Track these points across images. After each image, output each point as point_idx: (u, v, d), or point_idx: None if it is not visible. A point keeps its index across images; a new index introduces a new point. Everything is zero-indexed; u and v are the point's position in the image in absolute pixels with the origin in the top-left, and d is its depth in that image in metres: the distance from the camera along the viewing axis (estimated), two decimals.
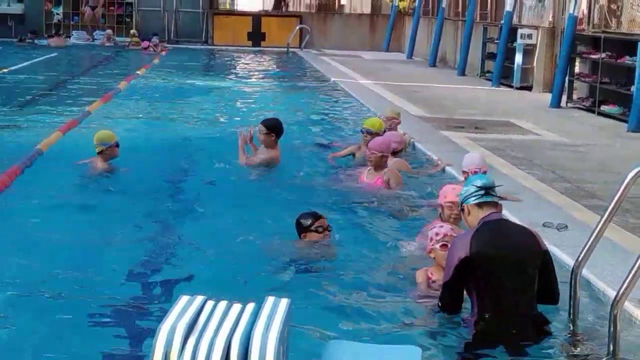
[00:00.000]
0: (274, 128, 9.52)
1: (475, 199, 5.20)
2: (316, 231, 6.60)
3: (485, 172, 8.02)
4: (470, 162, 8.12)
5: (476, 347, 4.90)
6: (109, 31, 31.31)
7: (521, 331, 4.95)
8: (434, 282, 5.67)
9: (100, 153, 9.04)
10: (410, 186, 8.85)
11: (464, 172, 8.09)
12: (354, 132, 12.28)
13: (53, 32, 30.46)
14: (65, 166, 9.38)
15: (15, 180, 8.68)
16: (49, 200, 8.01)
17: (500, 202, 5.37)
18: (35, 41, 29.59)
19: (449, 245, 5.31)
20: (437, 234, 5.65)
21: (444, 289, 5.12)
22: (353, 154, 10.19)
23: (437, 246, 5.63)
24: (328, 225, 6.67)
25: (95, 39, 31.31)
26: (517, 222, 6.00)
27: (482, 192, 5.19)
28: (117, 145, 9.15)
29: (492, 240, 5.00)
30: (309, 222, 6.62)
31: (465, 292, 5.09)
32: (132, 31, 30.66)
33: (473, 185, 5.24)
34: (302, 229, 6.64)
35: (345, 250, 6.67)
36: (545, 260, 5.13)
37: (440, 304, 5.18)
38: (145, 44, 29.07)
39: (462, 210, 5.31)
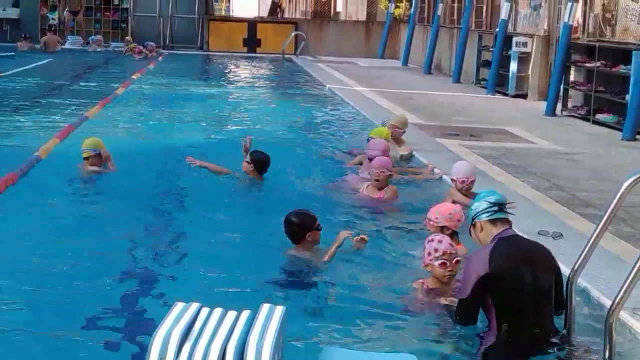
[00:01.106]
0: (257, 162, 9.08)
1: (489, 216, 5.17)
2: (318, 229, 6.52)
3: (472, 182, 8.15)
4: (460, 171, 8.30)
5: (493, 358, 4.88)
6: (99, 37, 31.26)
7: (538, 345, 4.93)
8: (429, 292, 5.65)
9: (86, 159, 9.33)
10: (411, 198, 8.80)
11: (452, 180, 8.29)
12: (349, 139, 12.28)
13: (25, 35, 30.11)
14: (59, 172, 9.39)
15: (11, 187, 8.65)
16: (39, 207, 7.99)
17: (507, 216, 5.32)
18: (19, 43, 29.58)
19: (454, 273, 5.28)
20: (435, 250, 5.60)
21: (461, 304, 5.06)
22: (360, 163, 10.06)
23: (436, 263, 5.59)
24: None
25: (89, 44, 31.22)
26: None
27: (496, 208, 5.17)
28: (106, 156, 9.37)
29: (511, 256, 4.98)
30: (312, 220, 6.50)
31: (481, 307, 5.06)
32: (127, 38, 30.62)
33: (486, 201, 5.20)
34: (307, 229, 6.47)
35: (342, 257, 6.65)
36: (558, 275, 5.16)
37: (457, 318, 5.12)
38: (138, 49, 28.99)
39: (474, 225, 5.27)
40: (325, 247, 6.54)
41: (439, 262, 5.57)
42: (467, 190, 8.25)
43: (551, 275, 5.08)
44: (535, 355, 4.89)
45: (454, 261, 5.59)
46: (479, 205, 5.22)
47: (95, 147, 9.37)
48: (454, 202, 7.90)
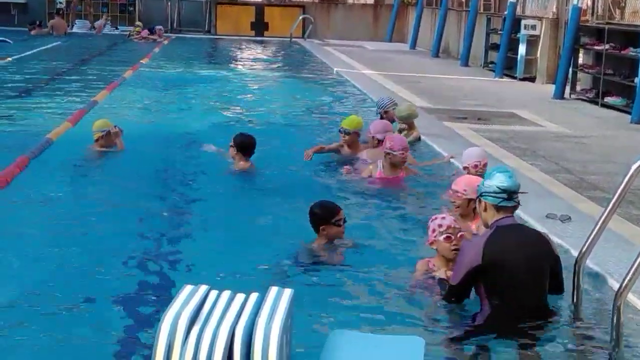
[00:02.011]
0: (239, 145, 8.79)
1: (495, 201, 5.13)
2: (336, 225, 6.25)
3: (485, 165, 7.99)
4: (471, 155, 8.05)
5: (482, 334, 4.90)
6: (102, 20, 31.25)
7: (529, 322, 4.95)
8: (435, 272, 5.66)
9: (97, 140, 9.54)
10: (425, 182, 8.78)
11: (464, 167, 8.01)
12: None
13: (37, 22, 30.17)
14: (69, 155, 9.44)
15: (23, 171, 8.68)
16: (48, 190, 8.03)
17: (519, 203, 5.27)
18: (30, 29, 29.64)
19: (460, 247, 5.28)
20: (440, 226, 5.62)
21: (451, 289, 5.12)
22: (337, 151, 9.77)
23: (441, 238, 5.60)
24: (344, 217, 6.33)
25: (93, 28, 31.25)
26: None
27: (505, 195, 5.12)
28: (115, 132, 9.50)
29: (506, 248, 4.98)
30: (330, 214, 6.22)
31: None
32: (137, 22, 30.56)
33: (497, 186, 5.14)
34: (321, 221, 6.21)
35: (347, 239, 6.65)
36: (557, 264, 5.16)
37: (445, 298, 5.20)
38: (144, 32, 28.91)
39: (479, 201, 5.25)
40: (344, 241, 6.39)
41: (444, 236, 5.58)
42: (481, 175, 8.02)
43: (547, 263, 5.09)
44: (526, 331, 4.92)
45: (458, 235, 5.60)
46: (490, 185, 5.17)
47: (104, 128, 9.56)
48: None
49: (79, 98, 14.39)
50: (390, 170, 8.61)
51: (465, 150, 8.38)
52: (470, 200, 6.41)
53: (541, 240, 5.16)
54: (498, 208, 5.14)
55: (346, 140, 9.63)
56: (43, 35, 28.35)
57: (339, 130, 9.79)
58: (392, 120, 10.83)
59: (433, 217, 5.79)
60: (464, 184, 6.55)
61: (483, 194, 5.20)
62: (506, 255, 4.96)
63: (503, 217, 5.13)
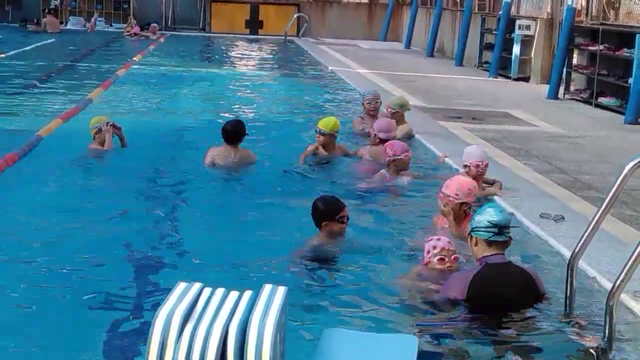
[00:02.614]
0: (222, 131, 8.91)
1: (486, 236, 5.14)
2: (339, 221, 6.18)
3: (486, 165, 7.95)
4: (474, 155, 7.98)
5: (472, 334, 4.93)
6: (93, 18, 31.24)
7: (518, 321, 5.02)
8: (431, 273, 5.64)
9: (94, 138, 9.49)
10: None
11: (465, 166, 7.96)
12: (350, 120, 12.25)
13: (35, 20, 30.16)
14: (63, 152, 9.42)
15: (12, 167, 8.66)
16: (45, 187, 8.02)
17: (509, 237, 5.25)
18: (28, 26, 29.65)
19: (448, 278, 5.29)
20: (434, 247, 5.60)
21: (435, 303, 5.21)
22: (315, 153, 9.56)
23: (435, 260, 5.58)
24: (347, 215, 6.24)
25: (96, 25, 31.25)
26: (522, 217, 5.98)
27: (496, 230, 5.13)
28: (108, 130, 9.46)
29: (490, 290, 5.03)
30: (334, 210, 6.14)
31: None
32: (130, 20, 30.51)
33: (488, 220, 5.14)
34: (324, 217, 6.13)
35: (345, 239, 6.65)
36: (542, 298, 5.23)
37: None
38: (135, 29, 28.83)
39: (471, 236, 5.25)
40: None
41: (438, 257, 5.56)
42: (480, 175, 7.91)
43: (531, 301, 5.15)
44: (517, 327, 4.99)
45: (452, 257, 5.57)
46: (481, 220, 5.17)
47: (96, 124, 9.54)
48: None
49: (70, 96, 14.36)
50: (397, 175, 8.47)
51: (466, 149, 8.28)
52: (462, 203, 6.40)
53: (527, 281, 5.18)
54: (489, 243, 5.15)
55: (321, 142, 9.44)
56: (38, 32, 28.34)
57: (315, 131, 9.60)
58: (374, 112, 11.01)
59: (429, 238, 5.76)
60: (455, 188, 6.45)
61: (474, 229, 5.20)
62: (490, 295, 5.03)
63: (494, 254, 5.13)
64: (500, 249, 5.18)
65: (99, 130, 9.45)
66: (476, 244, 5.22)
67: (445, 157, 9.78)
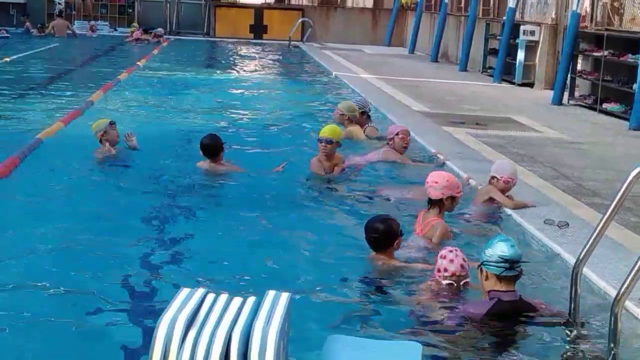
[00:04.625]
0: (201, 147, 8.90)
1: (498, 271, 5.11)
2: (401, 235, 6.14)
3: (515, 184, 7.95)
4: (506, 170, 7.98)
5: (478, 340, 4.92)
6: (92, 22, 31.26)
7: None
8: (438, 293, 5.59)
9: (100, 141, 9.45)
10: None
11: (493, 177, 7.95)
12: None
13: (39, 25, 30.20)
14: (66, 156, 9.42)
15: (15, 171, 8.66)
16: (46, 190, 8.02)
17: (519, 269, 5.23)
18: (31, 31, 29.68)
19: (458, 308, 5.27)
20: (445, 270, 5.51)
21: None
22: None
23: (444, 282, 5.52)
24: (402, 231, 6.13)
25: (98, 29, 31.25)
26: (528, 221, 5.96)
27: (507, 265, 5.10)
28: (113, 126, 9.48)
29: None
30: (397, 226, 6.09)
31: None
32: (133, 24, 30.54)
33: (499, 255, 5.10)
34: (394, 239, 6.05)
35: (348, 242, 6.64)
36: None
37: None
38: (137, 33, 28.80)
39: (481, 270, 5.22)
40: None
41: (447, 282, 5.50)
42: (504, 191, 7.94)
43: None
44: (522, 334, 5.01)
45: (461, 283, 5.52)
46: (492, 255, 5.12)
47: (99, 127, 9.48)
48: (491, 199, 7.82)
49: (73, 99, 14.37)
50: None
51: (499, 161, 8.38)
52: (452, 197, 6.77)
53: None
54: (500, 278, 5.12)
55: (327, 151, 9.00)
56: (46, 36, 28.44)
57: (320, 140, 9.03)
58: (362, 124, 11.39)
59: (442, 253, 5.63)
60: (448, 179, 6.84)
61: (484, 262, 5.16)
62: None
63: (506, 291, 5.10)
64: (511, 283, 5.14)
65: (105, 132, 9.40)
66: (487, 278, 5.17)
67: (447, 160, 9.85)
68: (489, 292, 5.14)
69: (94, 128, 9.54)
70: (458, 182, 6.98)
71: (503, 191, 7.93)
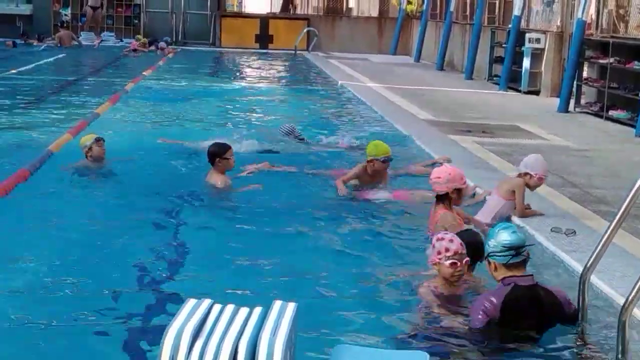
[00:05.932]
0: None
1: (504, 260, 5.11)
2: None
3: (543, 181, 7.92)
4: (540, 167, 7.83)
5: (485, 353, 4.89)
6: (92, 34, 31.37)
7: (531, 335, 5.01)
8: (438, 296, 5.55)
9: (86, 155, 9.35)
10: None
11: (526, 173, 7.79)
12: (361, 137, 12.25)
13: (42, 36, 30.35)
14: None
15: (23, 183, 8.68)
16: (47, 202, 8.04)
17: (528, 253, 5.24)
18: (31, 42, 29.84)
19: (476, 299, 5.24)
20: (446, 250, 5.46)
21: (472, 330, 5.09)
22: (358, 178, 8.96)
23: (446, 262, 5.47)
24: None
25: (104, 40, 31.33)
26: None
27: (513, 252, 5.10)
28: (100, 143, 9.35)
29: (525, 309, 5.01)
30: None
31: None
32: (137, 36, 30.59)
33: (503, 245, 5.10)
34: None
35: (354, 255, 6.63)
36: (575, 315, 5.21)
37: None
38: (133, 45, 28.81)
39: (488, 262, 5.22)
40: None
41: (450, 262, 5.46)
42: (535, 188, 7.89)
43: (560, 322, 5.15)
44: (530, 343, 4.99)
45: (464, 261, 5.51)
46: (496, 245, 5.13)
47: (86, 143, 9.36)
48: (512, 193, 7.73)
49: (78, 110, 14.39)
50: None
51: (533, 156, 8.05)
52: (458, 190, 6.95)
53: (558, 301, 5.14)
54: (508, 265, 5.12)
55: (375, 168, 8.80)
56: (51, 47, 28.56)
57: (379, 160, 8.77)
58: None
59: (439, 236, 5.60)
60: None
61: (490, 254, 5.17)
62: (524, 316, 5.00)
63: (521, 276, 5.10)
64: (521, 267, 5.15)
65: (90, 149, 9.28)
66: (496, 269, 5.17)
67: (449, 161, 9.80)
68: (502, 279, 5.14)
69: (81, 143, 9.44)
70: (461, 174, 7.04)
71: (533, 188, 7.83)
